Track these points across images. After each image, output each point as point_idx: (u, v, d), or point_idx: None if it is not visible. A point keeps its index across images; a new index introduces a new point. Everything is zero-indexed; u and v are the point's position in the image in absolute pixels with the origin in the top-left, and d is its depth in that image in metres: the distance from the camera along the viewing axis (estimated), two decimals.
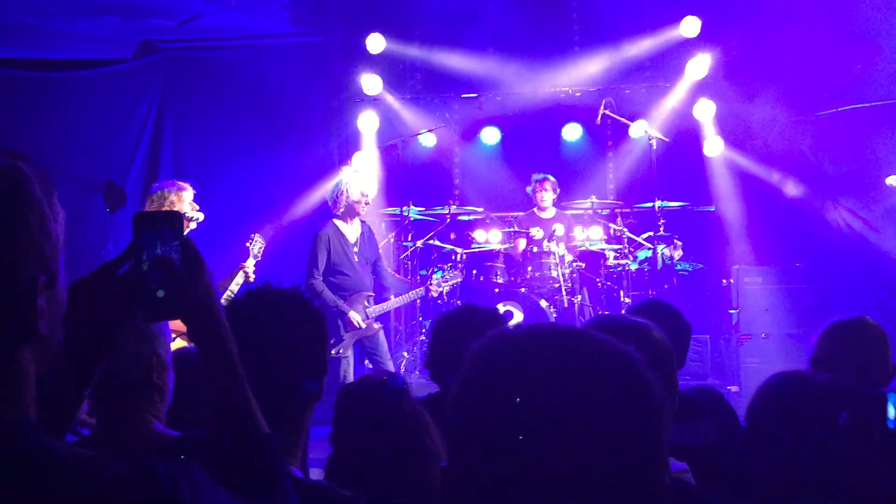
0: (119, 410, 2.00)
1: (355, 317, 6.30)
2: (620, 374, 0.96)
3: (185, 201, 5.26)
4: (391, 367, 6.67)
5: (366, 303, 6.44)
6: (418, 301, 7.56)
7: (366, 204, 6.44)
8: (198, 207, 5.30)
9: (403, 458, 1.95)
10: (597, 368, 0.95)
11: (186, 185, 5.33)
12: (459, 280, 7.20)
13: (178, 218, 1.32)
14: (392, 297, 6.83)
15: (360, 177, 6.60)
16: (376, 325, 6.51)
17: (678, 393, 2.34)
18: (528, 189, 8.30)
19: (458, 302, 7.43)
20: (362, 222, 6.56)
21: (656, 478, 0.95)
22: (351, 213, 6.41)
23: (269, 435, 1.33)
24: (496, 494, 0.93)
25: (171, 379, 2.08)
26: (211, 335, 1.31)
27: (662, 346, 1.59)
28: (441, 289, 7.03)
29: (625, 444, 0.92)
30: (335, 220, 6.42)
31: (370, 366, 6.68)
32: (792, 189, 7.54)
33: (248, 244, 5.81)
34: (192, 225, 5.22)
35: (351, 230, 6.44)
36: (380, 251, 6.85)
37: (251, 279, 5.66)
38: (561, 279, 7.54)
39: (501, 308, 7.36)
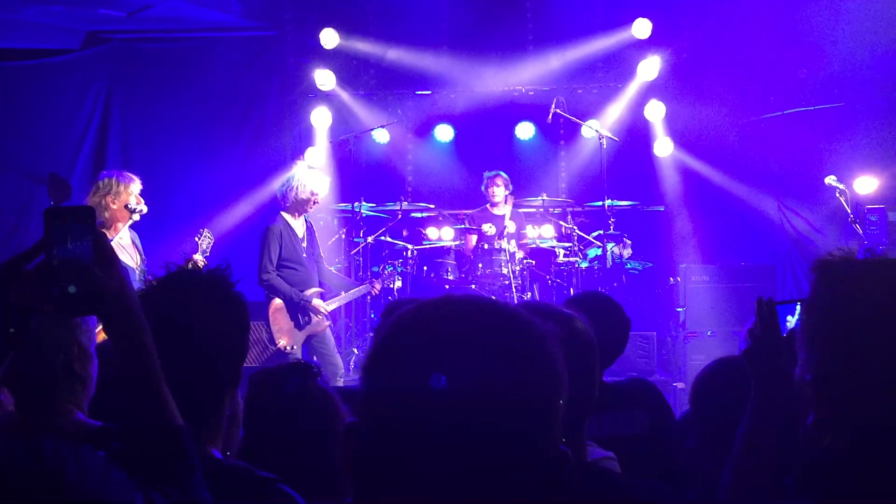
0: (39, 399, 1.97)
1: (319, 304, 6.31)
2: (520, 341, 0.98)
3: (131, 193, 5.24)
4: (339, 363, 6.65)
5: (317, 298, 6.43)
6: (369, 297, 7.54)
7: (314, 203, 6.39)
8: (143, 200, 5.26)
9: (311, 438, 1.96)
10: (498, 333, 0.97)
11: (134, 177, 5.32)
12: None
13: (90, 213, 1.32)
14: (342, 293, 6.81)
15: (313, 175, 6.51)
16: (326, 322, 6.48)
17: (604, 384, 2.38)
18: (483, 187, 8.34)
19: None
20: (306, 219, 6.53)
21: (550, 445, 0.97)
22: (298, 209, 6.36)
23: (181, 427, 1.33)
24: (394, 453, 0.95)
25: (94, 369, 2.05)
26: (125, 330, 1.31)
27: (584, 337, 1.62)
28: (384, 285, 7.07)
29: (517, 408, 0.94)
30: (283, 214, 6.35)
31: (318, 362, 6.66)
32: None
33: (196, 238, 5.74)
34: (136, 217, 5.18)
35: (298, 225, 6.40)
36: (321, 249, 6.81)
37: None
38: (511, 276, 7.58)
39: None
